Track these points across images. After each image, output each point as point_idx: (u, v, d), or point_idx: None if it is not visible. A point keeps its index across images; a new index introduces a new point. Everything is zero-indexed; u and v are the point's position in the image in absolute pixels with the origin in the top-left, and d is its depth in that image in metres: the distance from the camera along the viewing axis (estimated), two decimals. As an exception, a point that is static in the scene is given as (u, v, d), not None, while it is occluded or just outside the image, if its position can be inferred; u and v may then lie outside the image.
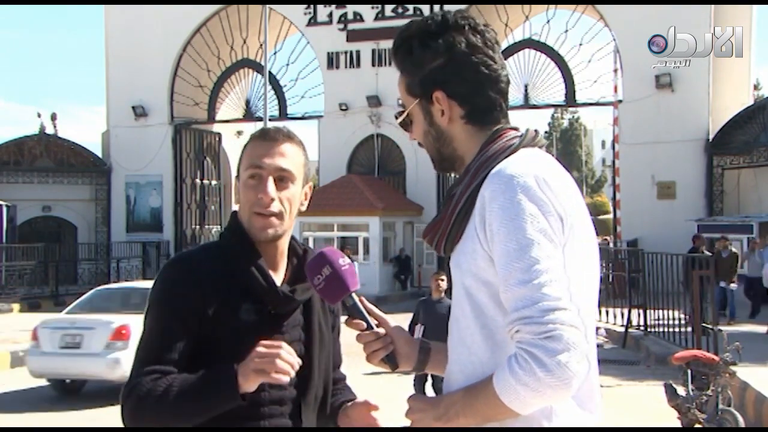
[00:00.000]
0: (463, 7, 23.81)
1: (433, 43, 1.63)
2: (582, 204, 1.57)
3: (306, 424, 1.87)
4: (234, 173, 17.39)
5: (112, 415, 8.09)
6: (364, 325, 1.73)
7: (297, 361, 1.66)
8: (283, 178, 1.84)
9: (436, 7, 24.07)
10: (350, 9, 25.67)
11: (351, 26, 25.73)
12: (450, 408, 1.53)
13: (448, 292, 6.61)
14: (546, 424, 1.49)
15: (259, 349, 1.65)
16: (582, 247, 1.53)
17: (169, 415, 1.69)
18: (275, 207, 1.82)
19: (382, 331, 1.74)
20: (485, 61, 1.63)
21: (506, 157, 1.56)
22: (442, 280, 7.71)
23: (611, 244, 22.45)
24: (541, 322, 1.38)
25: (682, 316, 11.86)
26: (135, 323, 8.44)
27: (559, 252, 1.46)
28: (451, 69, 1.63)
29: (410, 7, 24.82)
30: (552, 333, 1.37)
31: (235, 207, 1.99)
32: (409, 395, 1.63)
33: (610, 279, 16.38)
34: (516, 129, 1.65)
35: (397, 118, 1.74)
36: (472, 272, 1.54)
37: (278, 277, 1.88)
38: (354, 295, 1.74)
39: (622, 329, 13.21)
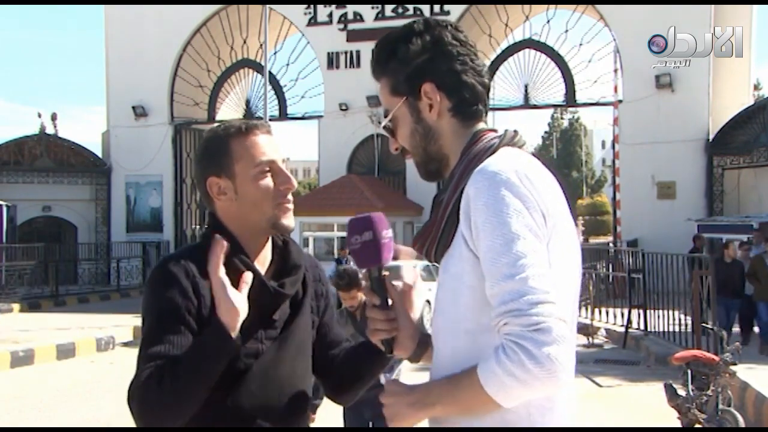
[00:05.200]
0: (462, 7, 23.85)
1: (420, 40, 1.66)
2: (564, 203, 1.57)
3: (305, 418, 1.88)
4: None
5: (111, 415, 8.08)
6: (378, 301, 1.72)
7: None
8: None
9: (437, 8, 24.10)
10: (350, 9, 25.67)
11: (351, 26, 25.73)
12: (427, 396, 1.52)
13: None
14: (541, 423, 1.49)
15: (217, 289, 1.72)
16: (565, 246, 1.53)
17: (172, 388, 1.64)
18: (291, 195, 1.89)
19: (392, 315, 1.73)
20: (470, 54, 1.67)
21: (488, 156, 1.57)
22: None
23: (611, 245, 22.47)
24: (530, 314, 1.38)
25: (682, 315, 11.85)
26: None
27: (543, 246, 1.46)
28: (439, 61, 1.65)
29: (410, 7, 24.82)
30: (541, 326, 1.37)
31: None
32: (389, 380, 1.63)
33: (610, 279, 16.38)
34: (495, 131, 1.68)
35: (380, 123, 1.75)
36: (458, 276, 1.54)
37: (263, 270, 1.90)
38: (382, 269, 1.72)
39: (622, 329, 13.21)
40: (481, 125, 1.68)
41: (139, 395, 1.67)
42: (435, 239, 1.61)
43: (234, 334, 1.69)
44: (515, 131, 1.66)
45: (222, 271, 1.71)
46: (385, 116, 1.72)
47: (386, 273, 1.74)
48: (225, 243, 1.74)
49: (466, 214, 1.51)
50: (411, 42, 1.66)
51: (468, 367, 1.47)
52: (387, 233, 1.72)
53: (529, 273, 1.40)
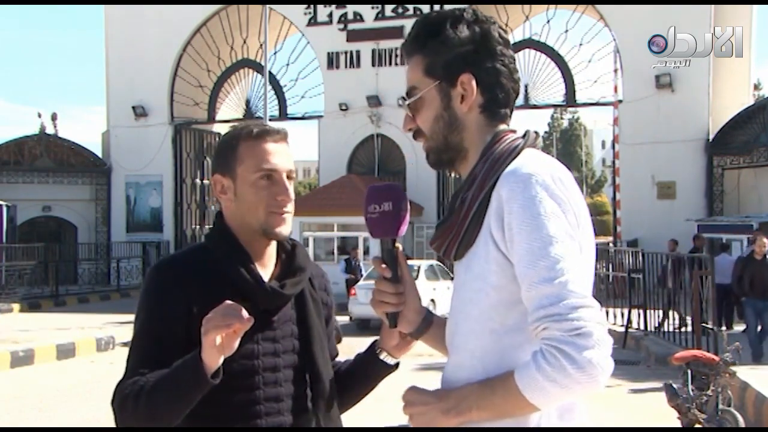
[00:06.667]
0: (463, 7, 23.81)
1: (469, 29, 1.65)
2: (584, 203, 1.58)
3: (324, 419, 1.88)
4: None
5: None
6: (389, 274, 1.70)
7: (243, 315, 1.57)
8: (289, 178, 1.91)
9: (436, 7, 24.09)
10: (350, 9, 25.67)
11: (351, 26, 25.73)
12: (461, 401, 1.50)
13: None
14: (558, 423, 1.50)
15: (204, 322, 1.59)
16: (588, 246, 1.54)
17: (146, 411, 1.67)
18: (290, 206, 1.89)
19: (401, 288, 1.72)
20: (510, 57, 1.68)
21: (514, 157, 1.57)
22: None
23: (611, 245, 22.46)
24: (570, 318, 1.38)
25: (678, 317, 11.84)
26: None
27: (578, 249, 1.47)
28: (483, 55, 1.64)
29: (410, 7, 24.82)
30: (581, 330, 1.37)
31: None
32: (407, 387, 1.59)
33: (610, 279, 16.38)
34: (514, 131, 1.67)
35: (405, 100, 1.69)
36: (483, 276, 1.53)
37: (267, 273, 1.90)
38: (396, 241, 1.70)
39: (622, 329, 13.21)
40: (503, 126, 1.68)
41: (118, 408, 1.72)
42: (457, 238, 1.59)
43: (211, 371, 1.62)
44: (536, 132, 1.66)
45: (218, 334, 1.59)
46: (408, 93, 1.68)
47: (399, 246, 1.72)
48: (249, 318, 1.60)
49: (498, 215, 1.50)
50: (458, 28, 1.64)
51: (501, 373, 1.47)
52: (406, 205, 1.70)
53: (569, 277, 1.41)
